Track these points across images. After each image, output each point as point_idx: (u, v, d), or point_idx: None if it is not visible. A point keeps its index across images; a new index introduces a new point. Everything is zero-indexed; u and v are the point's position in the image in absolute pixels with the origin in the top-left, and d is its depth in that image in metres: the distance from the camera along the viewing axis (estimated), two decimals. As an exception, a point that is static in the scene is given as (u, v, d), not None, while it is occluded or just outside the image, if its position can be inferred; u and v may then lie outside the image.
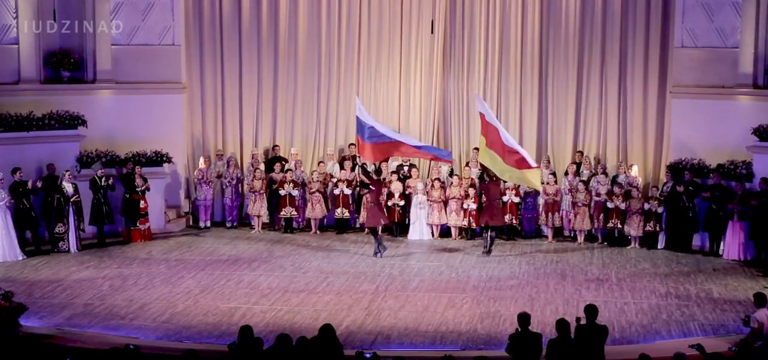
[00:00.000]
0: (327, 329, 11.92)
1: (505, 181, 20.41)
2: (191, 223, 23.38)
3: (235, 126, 23.92)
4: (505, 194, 21.07)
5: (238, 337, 11.97)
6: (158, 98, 22.66)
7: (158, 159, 22.32)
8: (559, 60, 22.96)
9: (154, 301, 16.38)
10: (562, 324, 12.05)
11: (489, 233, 20.02)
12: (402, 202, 22.10)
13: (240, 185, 23.29)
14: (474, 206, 21.59)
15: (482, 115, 19.56)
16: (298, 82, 23.71)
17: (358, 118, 19.60)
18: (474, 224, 21.63)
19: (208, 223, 23.07)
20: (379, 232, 20.04)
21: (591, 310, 12.34)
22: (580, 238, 21.60)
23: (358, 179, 20.48)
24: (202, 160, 23.15)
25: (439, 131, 23.48)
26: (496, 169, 19.38)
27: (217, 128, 23.93)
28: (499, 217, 20.30)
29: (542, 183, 21.51)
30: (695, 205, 20.76)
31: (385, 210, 21.00)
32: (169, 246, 21.02)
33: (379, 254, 19.64)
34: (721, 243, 20.39)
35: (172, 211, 23.14)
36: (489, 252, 19.91)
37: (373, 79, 23.62)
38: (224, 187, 23.12)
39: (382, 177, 21.53)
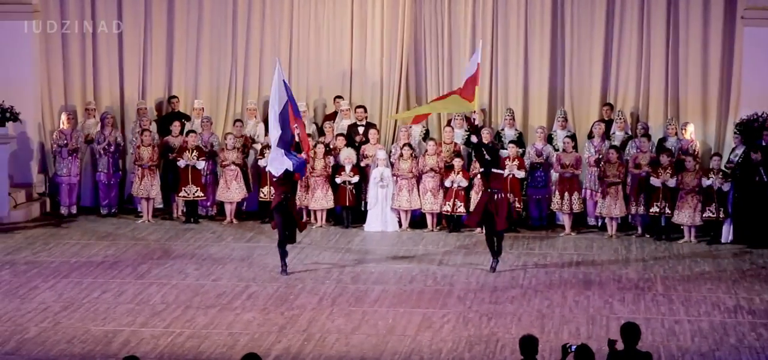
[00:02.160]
0: (249, 361, 11.76)
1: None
2: (49, 209, 23.30)
3: (112, 68, 23.76)
4: (504, 168, 20.95)
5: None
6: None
7: (-1, 116, 22.08)
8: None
9: (-6, 323, 16.26)
10: (585, 352, 12.03)
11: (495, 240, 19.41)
12: (355, 178, 22.18)
13: (120, 155, 23.25)
14: (464, 183, 21.67)
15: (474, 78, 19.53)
16: (204, 6, 23.73)
17: (285, 84, 19.03)
18: (462, 207, 21.69)
19: (74, 210, 23.05)
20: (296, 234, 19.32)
21: (629, 332, 12.28)
22: (612, 229, 21.72)
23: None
24: (64, 117, 23.00)
25: (408, 78, 23.55)
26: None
27: (87, 71, 23.76)
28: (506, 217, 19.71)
29: (556, 149, 21.84)
30: (776, 181, 20.95)
31: (328, 189, 21.59)
32: (15, 243, 20.90)
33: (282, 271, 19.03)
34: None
35: (19, 193, 23.01)
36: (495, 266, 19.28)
37: (313, 2, 23.63)
38: (98, 156, 23.04)
39: (317, 143, 21.87)
